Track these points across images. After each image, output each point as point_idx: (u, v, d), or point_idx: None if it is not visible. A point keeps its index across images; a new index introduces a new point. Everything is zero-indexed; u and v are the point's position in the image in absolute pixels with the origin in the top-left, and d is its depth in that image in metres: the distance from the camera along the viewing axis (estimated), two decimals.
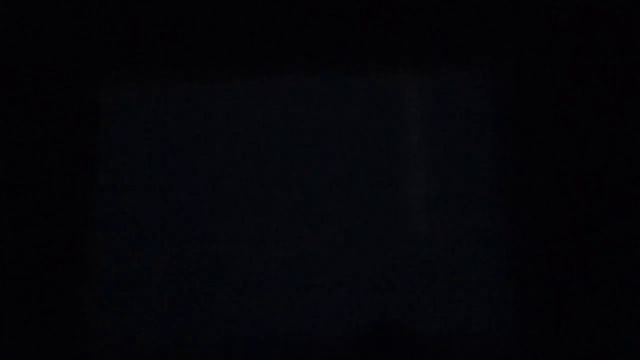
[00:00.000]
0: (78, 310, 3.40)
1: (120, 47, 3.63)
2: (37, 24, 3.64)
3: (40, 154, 3.53)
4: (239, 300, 3.40)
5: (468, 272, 3.35)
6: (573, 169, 3.36)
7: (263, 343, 3.35)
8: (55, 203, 3.48)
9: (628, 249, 3.26)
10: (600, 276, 3.25)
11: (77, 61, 3.63)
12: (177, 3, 3.63)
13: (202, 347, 3.37)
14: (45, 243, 3.44)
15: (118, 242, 3.49)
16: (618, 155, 3.36)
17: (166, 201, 3.52)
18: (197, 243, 3.47)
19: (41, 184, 3.50)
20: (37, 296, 3.38)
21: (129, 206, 3.54)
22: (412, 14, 3.55)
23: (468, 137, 3.47)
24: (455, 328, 3.30)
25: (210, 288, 3.42)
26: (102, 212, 3.52)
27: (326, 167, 3.51)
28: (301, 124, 3.57)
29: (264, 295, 3.40)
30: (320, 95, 3.60)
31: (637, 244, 3.26)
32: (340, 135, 3.54)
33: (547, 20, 3.50)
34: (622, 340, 3.16)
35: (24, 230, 3.45)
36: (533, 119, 3.43)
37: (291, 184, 3.51)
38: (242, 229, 3.49)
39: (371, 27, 3.56)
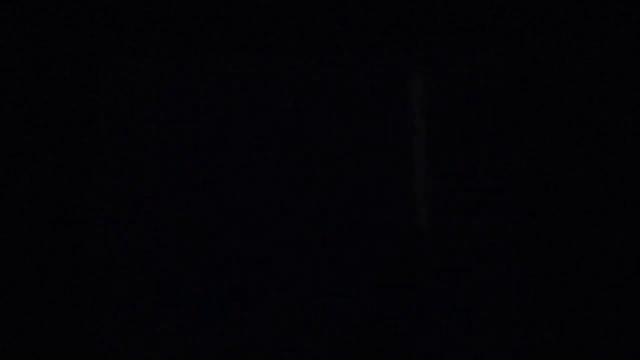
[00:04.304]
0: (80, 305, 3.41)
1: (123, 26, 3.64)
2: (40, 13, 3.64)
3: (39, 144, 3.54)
4: (237, 296, 3.41)
5: (472, 268, 3.36)
6: (579, 164, 3.37)
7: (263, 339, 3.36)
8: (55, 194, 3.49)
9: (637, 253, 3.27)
10: (608, 274, 3.26)
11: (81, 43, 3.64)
12: None
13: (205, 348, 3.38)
14: (46, 235, 3.45)
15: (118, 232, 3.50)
16: (622, 151, 3.36)
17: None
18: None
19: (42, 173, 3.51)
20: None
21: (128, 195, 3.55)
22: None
23: (472, 130, 3.48)
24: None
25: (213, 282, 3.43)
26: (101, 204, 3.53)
27: (327, 162, 3.51)
28: (302, 118, 3.57)
29: (264, 289, 3.41)
30: (321, 89, 3.60)
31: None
32: (342, 127, 3.54)
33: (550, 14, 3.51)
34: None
35: (25, 221, 3.46)
36: (538, 113, 3.44)
37: (291, 178, 3.52)
38: (240, 224, 3.50)
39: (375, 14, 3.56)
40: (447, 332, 3.31)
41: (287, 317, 3.38)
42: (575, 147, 3.39)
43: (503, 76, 3.51)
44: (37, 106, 3.57)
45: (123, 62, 3.66)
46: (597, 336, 3.20)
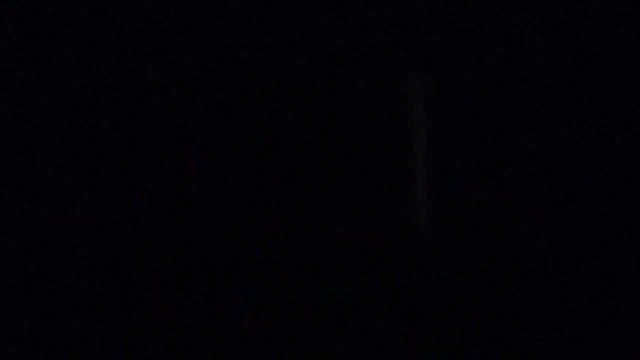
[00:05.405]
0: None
1: None
2: None
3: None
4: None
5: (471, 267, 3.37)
6: (580, 164, 3.38)
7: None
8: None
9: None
10: (608, 274, 3.27)
11: None
12: None
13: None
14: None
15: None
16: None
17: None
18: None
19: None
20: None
21: None
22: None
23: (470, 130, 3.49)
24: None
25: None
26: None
27: (327, 162, 3.51)
28: (302, 118, 3.56)
29: (263, 289, 3.41)
30: (321, 89, 3.59)
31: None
32: (344, 130, 3.55)
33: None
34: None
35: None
36: (538, 113, 3.45)
37: (292, 178, 3.52)
38: (239, 224, 3.50)
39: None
40: (448, 331, 3.32)
41: (286, 316, 3.38)
42: (576, 147, 3.39)
43: (503, 76, 3.51)
44: (37, 105, 3.57)
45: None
46: (597, 336, 3.21)
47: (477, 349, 3.28)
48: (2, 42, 3.62)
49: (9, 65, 3.60)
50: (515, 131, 3.45)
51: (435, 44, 3.52)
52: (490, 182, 3.45)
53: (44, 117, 3.57)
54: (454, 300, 3.34)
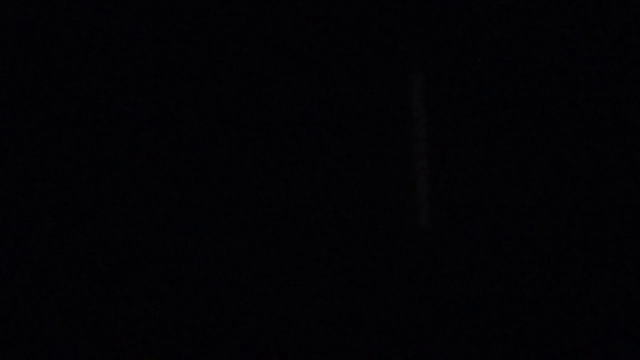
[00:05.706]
0: None
1: None
2: None
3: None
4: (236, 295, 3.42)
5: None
6: (580, 164, 3.38)
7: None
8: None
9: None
10: (610, 273, 3.28)
11: None
12: None
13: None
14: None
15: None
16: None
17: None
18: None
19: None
20: None
21: None
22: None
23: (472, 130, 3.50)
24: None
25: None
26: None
27: (329, 162, 3.51)
28: (303, 121, 3.57)
29: (263, 288, 3.41)
30: (324, 90, 3.60)
31: None
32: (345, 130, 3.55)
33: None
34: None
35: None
36: (538, 113, 3.45)
37: (293, 178, 3.52)
38: (240, 224, 3.50)
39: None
40: (450, 332, 3.32)
41: (287, 316, 3.38)
42: (578, 147, 3.39)
43: (504, 76, 3.52)
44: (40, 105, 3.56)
45: None
46: (599, 334, 3.21)
47: (478, 348, 3.28)
48: None
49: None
50: (517, 131, 3.45)
51: (435, 44, 3.53)
52: (491, 182, 3.45)
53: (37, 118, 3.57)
54: (456, 301, 3.35)
